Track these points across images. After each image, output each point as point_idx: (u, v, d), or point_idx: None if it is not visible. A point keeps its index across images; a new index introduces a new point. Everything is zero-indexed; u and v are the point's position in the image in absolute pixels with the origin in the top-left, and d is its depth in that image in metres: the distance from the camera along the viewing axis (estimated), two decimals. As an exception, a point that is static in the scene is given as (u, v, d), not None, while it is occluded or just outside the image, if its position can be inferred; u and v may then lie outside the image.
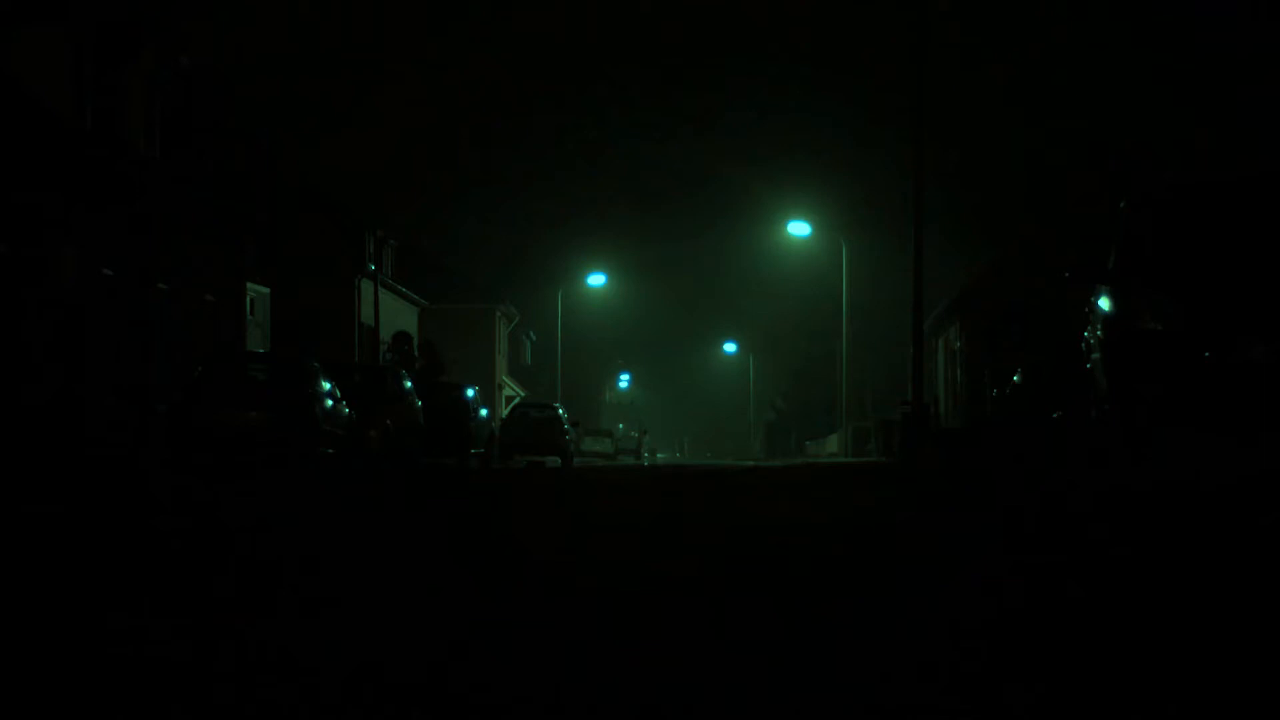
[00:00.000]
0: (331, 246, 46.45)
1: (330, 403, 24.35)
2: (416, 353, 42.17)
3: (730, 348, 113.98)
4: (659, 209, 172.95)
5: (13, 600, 3.90)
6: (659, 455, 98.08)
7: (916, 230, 28.29)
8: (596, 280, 71.65)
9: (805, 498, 9.66)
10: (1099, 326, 11.23)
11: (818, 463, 39.31)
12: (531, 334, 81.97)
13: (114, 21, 27.61)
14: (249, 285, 34.45)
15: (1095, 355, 11.39)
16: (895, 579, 4.34)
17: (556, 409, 46.41)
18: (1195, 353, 10.15)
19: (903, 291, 30.52)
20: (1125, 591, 3.88)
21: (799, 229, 52.38)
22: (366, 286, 46.42)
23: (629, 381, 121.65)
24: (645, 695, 2.49)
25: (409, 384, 31.30)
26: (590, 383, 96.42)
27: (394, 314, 50.40)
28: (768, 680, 2.63)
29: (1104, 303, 11.11)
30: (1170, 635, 3.12)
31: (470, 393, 38.30)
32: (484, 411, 40.02)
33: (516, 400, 63.13)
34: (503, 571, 4.71)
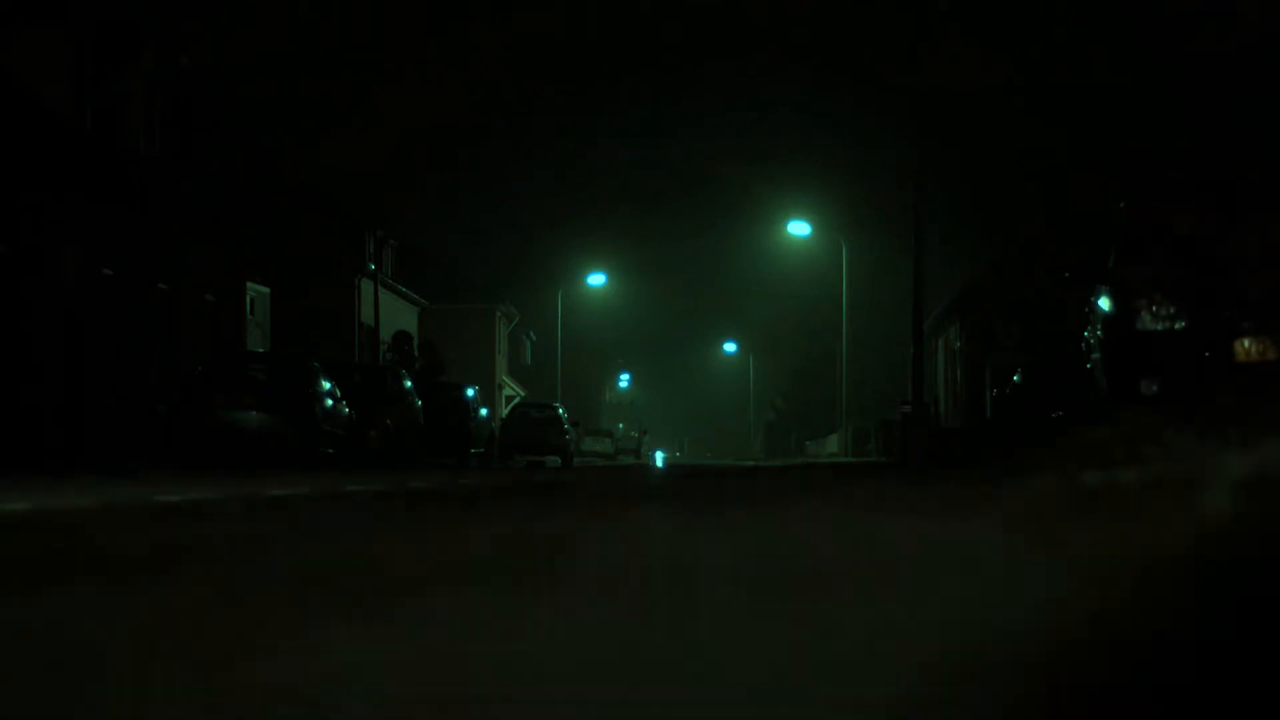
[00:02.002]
0: (331, 246, 46.44)
1: (330, 403, 24.38)
2: (416, 353, 42.19)
3: (730, 348, 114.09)
4: (659, 209, 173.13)
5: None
6: (658, 454, 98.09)
7: (917, 231, 28.30)
8: (596, 280, 71.68)
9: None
10: (1099, 326, 11.24)
11: (817, 462, 39.31)
12: (531, 334, 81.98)
13: (114, 21, 27.62)
14: (249, 285, 34.45)
15: (1095, 355, 11.40)
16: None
17: (556, 409, 46.46)
18: (1195, 353, 10.15)
19: (903, 291, 30.54)
20: (1119, 590, 3.87)
21: (799, 229, 52.40)
22: (366, 286, 46.44)
23: (629, 381, 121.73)
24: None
25: (409, 384, 31.33)
26: (590, 383, 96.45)
27: (394, 314, 50.42)
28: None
29: (1104, 303, 11.12)
30: (1163, 633, 3.12)
31: (470, 393, 38.33)
32: (484, 411, 40.06)
33: (516, 400, 63.15)
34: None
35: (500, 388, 66.42)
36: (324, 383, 24.45)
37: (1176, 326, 10.28)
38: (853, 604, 2.69)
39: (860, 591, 2.90)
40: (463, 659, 2.09)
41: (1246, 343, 10.07)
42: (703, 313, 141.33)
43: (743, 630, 2.37)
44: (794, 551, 4.15)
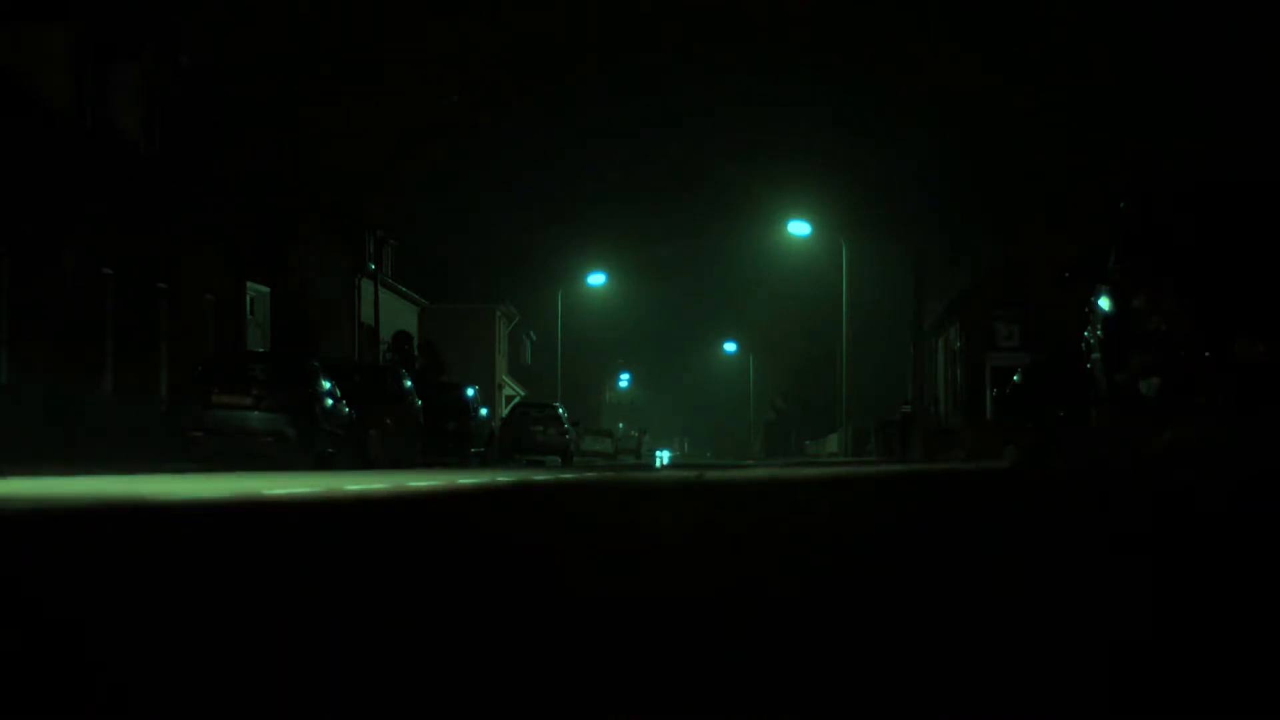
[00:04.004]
0: (331, 246, 46.44)
1: (330, 402, 24.38)
2: (416, 353, 42.18)
3: (730, 348, 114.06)
4: (659, 208, 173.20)
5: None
6: (664, 453, 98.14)
7: (916, 232, 28.32)
8: (596, 280, 71.67)
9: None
10: (1099, 326, 11.25)
11: (817, 461, 39.32)
12: (531, 334, 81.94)
13: (114, 21, 27.62)
14: (249, 285, 34.44)
15: (1095, 355, 11.41)
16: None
17: (556, 409, 46.49)
18: (1195, 352, 10.15)
19: (903, 291, 30.55)
20: (1111, 584, 3.88)
21: (799, 229, 52.37)
22: (366, 286, 46.42)
23: (629, 381, 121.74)
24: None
25: (409, 384, 31.33)
26: (590, 383, 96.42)
27: (394, 314, 50.42)
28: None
29: (1104, 303, 11.13)
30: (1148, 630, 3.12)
31: (470, 393, 38.33)
32: (484, 411, 40.05)
33: (516, 400, 63.13)
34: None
35: (500, 388, 66.40)
36: (324, 382, 24.45)
37: (1176, 327, 10.28)
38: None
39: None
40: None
41: (1246, 343, 10.06)
42: (703, 313, 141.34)
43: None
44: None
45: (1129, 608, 3.09)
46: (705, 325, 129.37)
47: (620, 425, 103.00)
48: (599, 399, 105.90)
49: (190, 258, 29.66)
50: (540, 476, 17.44)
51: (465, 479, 14.90)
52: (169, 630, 2.66)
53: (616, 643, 2.50)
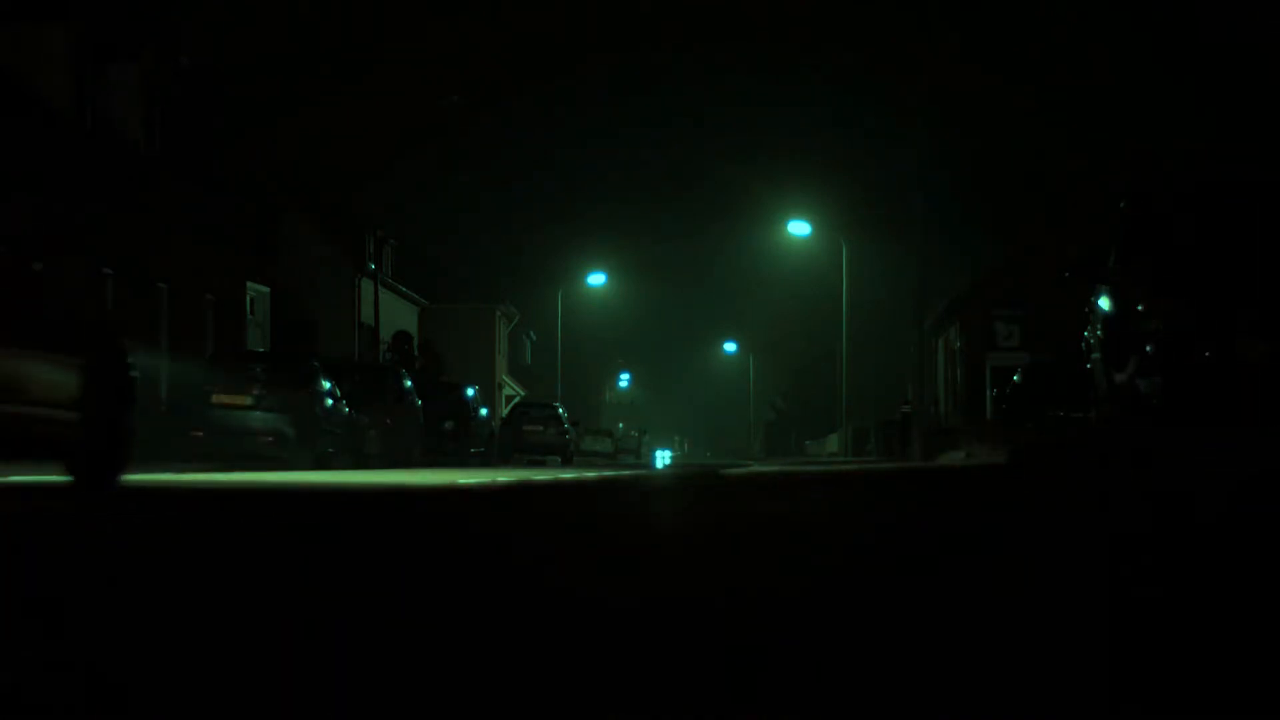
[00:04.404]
0: (331, 246, 46.42)
1: (330, 402, 24.39)
2: (416, 353, 42.17)
3: (730, 348, 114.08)
4: (659, 209, 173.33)
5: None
6: (664, 453, 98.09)
7: (919, 232, 28.31)
8: (596, 280, 71.60)
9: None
10: (1099, 326, 11.25)
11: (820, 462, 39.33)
12: (531, 334, 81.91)
13: (114, 21, 27.62)
14: (249, 285, 34.43)
15: (1095, 355, 11.40)
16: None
17: (556, 409, 46.52)
18: (1195, 352, 10.15)
19: (903, 291, 30.56)
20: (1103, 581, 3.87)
21: (799, 229, 52.31)
22: (366, 286, 46.39)
23: (629, 381, 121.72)
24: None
25: (409, 384, 31.34)
26: (590, 383, 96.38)
27: (394, 314, 50.39)
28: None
29: (1104, 303, 11.13)
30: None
31: (470, 393, 38.34)
32: (484, 411, 40.06)
33: (516, 400, 63.12)
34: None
35: (500, 388, 66.39)
36: (324, 382, 24.45)
37: (1176, 326, 10.27)
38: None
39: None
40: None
41: (1247, 342, 10.06)
42: (703, 313, 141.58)
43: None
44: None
45: (1128, 607, 3.09)
46: (705, 325, 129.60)
47: (620, 425, 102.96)
48: (599, 399, 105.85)
49: (190, 258, 29.64)
50: (540, 476, 17.45)
51: (465, 479, 14.92)
52: (168, 629, 2.66)
53: (617, 643, 2.50)
